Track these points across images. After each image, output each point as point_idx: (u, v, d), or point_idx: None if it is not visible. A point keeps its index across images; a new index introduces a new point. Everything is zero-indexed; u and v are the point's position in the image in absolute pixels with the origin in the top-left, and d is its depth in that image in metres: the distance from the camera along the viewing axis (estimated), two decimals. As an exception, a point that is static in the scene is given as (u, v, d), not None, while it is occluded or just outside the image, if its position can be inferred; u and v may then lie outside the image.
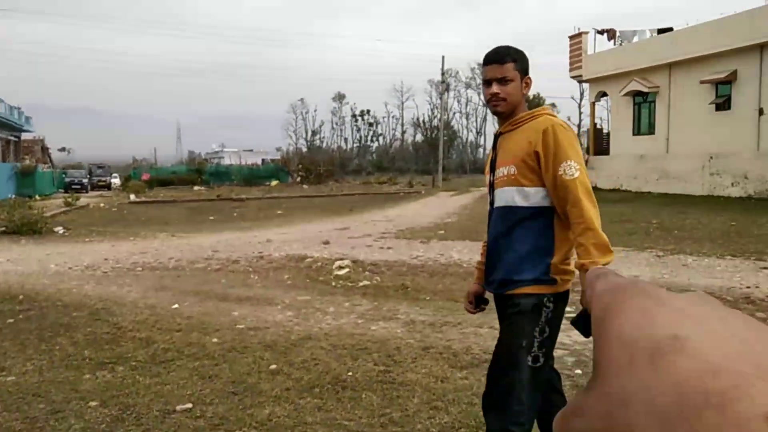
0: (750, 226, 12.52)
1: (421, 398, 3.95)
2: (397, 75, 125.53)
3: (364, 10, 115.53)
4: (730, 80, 20.36)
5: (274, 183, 41.36)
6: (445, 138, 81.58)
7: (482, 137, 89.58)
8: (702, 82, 21.19)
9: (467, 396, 3.98)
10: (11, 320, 6.02)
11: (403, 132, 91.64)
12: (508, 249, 2.45)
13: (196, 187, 37.94)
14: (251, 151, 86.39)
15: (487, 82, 2.48)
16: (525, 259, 2.41)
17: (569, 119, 67.08)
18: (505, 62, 2.44)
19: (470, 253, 10.18)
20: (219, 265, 9.41)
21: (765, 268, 8.51)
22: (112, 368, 4.59)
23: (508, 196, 2.44)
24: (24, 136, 44.25)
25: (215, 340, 5.36)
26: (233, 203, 23.59)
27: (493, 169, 2.57)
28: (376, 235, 12.84)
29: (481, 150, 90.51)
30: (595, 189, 15.62)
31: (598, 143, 28.05)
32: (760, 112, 19.37)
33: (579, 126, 64.67)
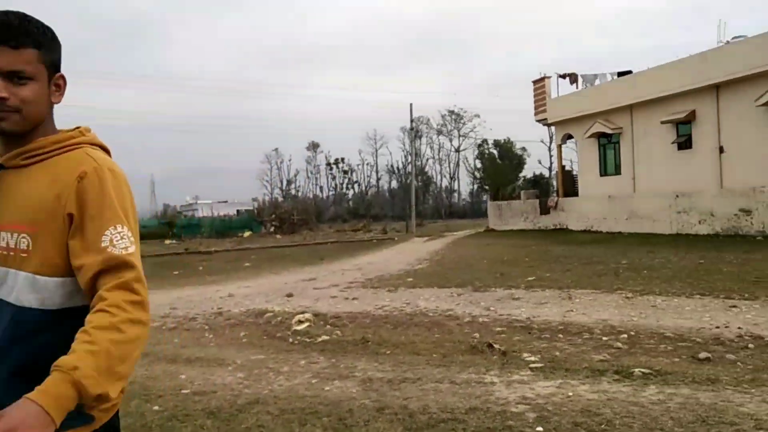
0: (718, 263, 12.49)
1: (368, 468, 3.62)
2: (370, 123, 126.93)
3: (333, 61, 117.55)
4: (689, 120, 20.79)
5: (246, 234, 40.85)
6: (419, 184, 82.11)
7: (456, 182, 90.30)
8: (663, 122, 21.60)
9: (418, 463, 3.66)
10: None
11: (378, 179, 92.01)
12: (8, 383, 1.39)
13: (167, 241, 37.23)
14: (225, 202, 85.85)
15: None
16: None
17: (540, 162, 67.99)
18: (22, 45, 1.39)
19: (438, 302, 9.92)
20: (174, 324, 8.98)
21: (734, 306, 8.38)
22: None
23: (9, 286, 1.43)
24: None
25: (156, 407, 4.97)
26: (201, 256, 23.08)
27: None
28: (343, 285, 12.52)
29: (455, 195, 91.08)
30: (567, 231, 15.61)
31: (567, 185, 28.31)
32: (720, 150, 19.73)
33: (550, 169, 65.50)
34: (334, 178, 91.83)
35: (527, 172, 68.24)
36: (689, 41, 74.77)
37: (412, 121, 38.52)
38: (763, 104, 18.05)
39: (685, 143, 21.22)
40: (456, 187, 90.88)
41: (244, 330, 8.17)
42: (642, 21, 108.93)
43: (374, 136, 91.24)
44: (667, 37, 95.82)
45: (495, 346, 6.45)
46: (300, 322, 8.07)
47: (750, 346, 6.29)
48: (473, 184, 79.47)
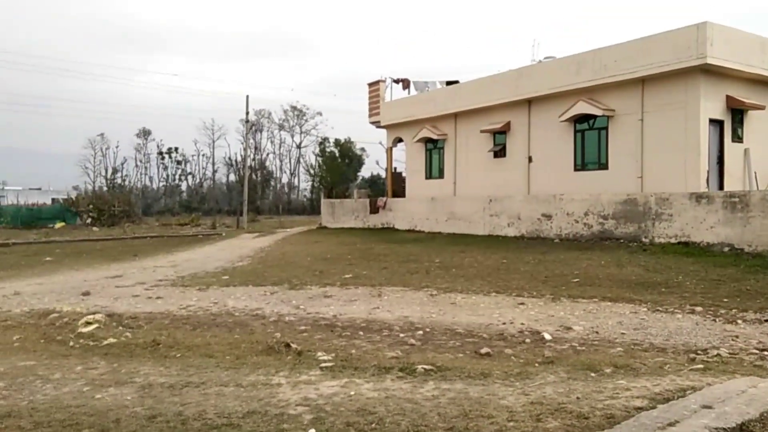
0: (517, 263, 13.56)
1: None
2: (209, 113, 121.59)
3: (170, 46, 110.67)
4: (504, 130, 22.48)
5: (59, 225, 37.16)
6: (259, 179, 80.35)
7: (296, 178, 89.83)
8: (482, 131, 23.15)
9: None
10: None
11: (215, 171, 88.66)
12: None
13: (-42, 231, 32.65)
14: (39, 189, 77.52)
15: None
16: None
17: (378, 163, 69.76)
18: None
19: (248, 300, 9.65)
20: (-66, 327, 7.79)
21: (522, 303, 9.10)
22: None
23: None
24: None
25: None
26: (-5, 249, 20.51)
27: None
28: (152, 282, 11.76)
29: (296, 191, 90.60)
30: (393, 230, 16.07)
31: (397, 186, 29.29)
32: (530, 159, 21.59)
33: (386, 170, 67.27)
34: (166, 168, 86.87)
35: (366, 172, 69.85)
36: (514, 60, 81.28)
37: (247, 113, 37.56)
38: (566, 120, 20.02)
39: (500, 152, 22.92)
40: (296, 183, 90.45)
41: (19, 333, 7.29)
42: (475, 38, 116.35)
43: (212, 127, 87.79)
44: (494, 55, 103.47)
45: (292, 345, 6.36)
46: (88, 323, 7.39)
47: (527, 341, 6.83)
48: (312, 181, 79.64)
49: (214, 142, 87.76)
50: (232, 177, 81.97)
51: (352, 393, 4.85)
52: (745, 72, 17.22)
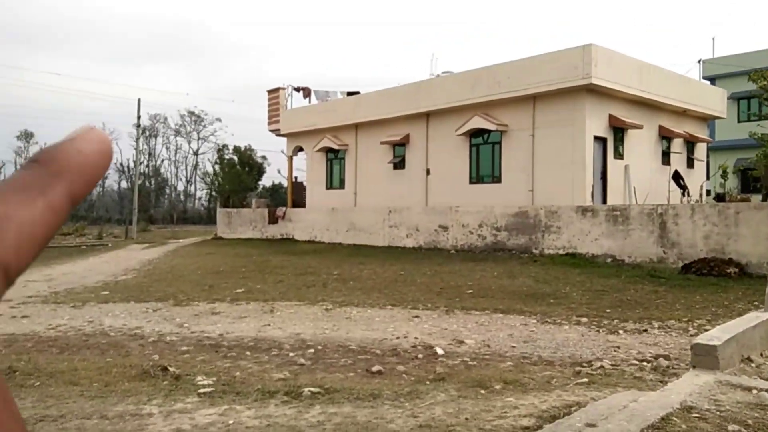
0: (414, 275, 13.59)
1: None
2: (97, 116, 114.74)
3: (57, 46, 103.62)
4: (404, 142, 22.70)
5: None
6: (153, 186, 76.68)
7: (193, 186, 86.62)
8: (382, 143, 23.26)
9: None
10: None
11: (105, 178, 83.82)
12: None
13: None
14: None
15: None
16: None
17: (279, 172, 68.62)
18: None
19: (128, 318, 8.95)
20: None
21: (416, 316, 9.03)
22: None
23: None
24: None
25: None
26: None
27: None
28: (19, 299, 10.69)
29: (192, 199, 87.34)
30: (292, 241, 15.59)
31: (298, 196, 28.83)
32: (427, 172, 21.91)
33: (287, 179, 66.46)
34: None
35: (267, 181, 68.58)
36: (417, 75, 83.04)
37: (139, 116, 35.76)
38: (462, 134, 20.48)
39: (399, 163, 23.11)
40: (193, 191, 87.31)
41: None
42: (375, 49, 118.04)
43: (102, 131, 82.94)
44: (394, 67, 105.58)
45: (170, 369, 5.88)
46: (-69, 349, 6.50)
47: (420, 356, 6.72)
48: (210, 190, 77.22)
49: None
50: (124, 184, 78.03)
51: (231, 422, 4.49)
52: (625, 93, 18.37)
